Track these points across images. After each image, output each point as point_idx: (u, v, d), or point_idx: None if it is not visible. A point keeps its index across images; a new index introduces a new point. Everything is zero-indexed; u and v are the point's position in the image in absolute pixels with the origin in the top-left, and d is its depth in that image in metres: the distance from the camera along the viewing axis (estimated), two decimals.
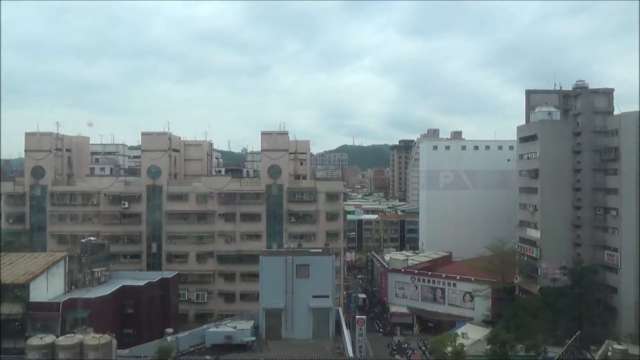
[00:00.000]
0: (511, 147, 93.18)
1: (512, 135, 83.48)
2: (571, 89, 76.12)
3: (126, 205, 70.11)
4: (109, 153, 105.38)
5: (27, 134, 72.61)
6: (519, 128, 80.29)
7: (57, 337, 29.49)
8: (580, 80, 74.78)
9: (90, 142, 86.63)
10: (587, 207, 68.54)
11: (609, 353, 43.89)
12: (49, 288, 44.03)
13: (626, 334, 57.55)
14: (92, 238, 55.43)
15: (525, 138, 77.26)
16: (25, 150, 72.65)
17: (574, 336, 49.07)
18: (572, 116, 72.96)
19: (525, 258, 75.29)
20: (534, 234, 73.01)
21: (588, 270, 64.59)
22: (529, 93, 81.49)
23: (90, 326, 33.05)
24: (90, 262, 49.89)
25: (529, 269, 74.19)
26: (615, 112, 68.25)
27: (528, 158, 76.05)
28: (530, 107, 79.58)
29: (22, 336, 38.21)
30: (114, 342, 28.88)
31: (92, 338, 27.65)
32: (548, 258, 69.74)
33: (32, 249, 61.60)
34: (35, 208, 71.23)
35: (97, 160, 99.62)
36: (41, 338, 27.82)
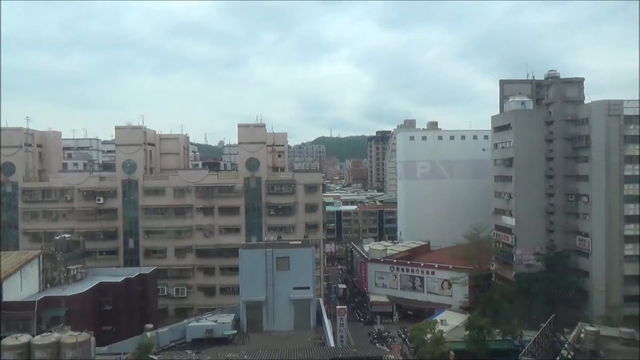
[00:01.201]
0: (486, 137, 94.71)
1: (487, 125, 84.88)
2: (543, 78, 77.65)
3: (101, 200, 68.83)
4: (82, 148, 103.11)
5: None
6: (494, 118, 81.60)
7: (33, 336, 28.90)
8: (552, 70, 76.29)
9: (63, 137, 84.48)
10: (560, 194, 70.29)
11: (582, 335, 45.43)
12: (23, 287, 43.06)
13: (597, 316, 59.65)
14: (66, 235, 54.17)
15: (500, 127, 78.59)
16: None
17: (549, 319, 50.60)
18: (545, 105, 74.47)
19: (501, 245, 76.90)
20: (509, 221, 74.56)
21: (561, 255, 66.45)
22: (502, 83, 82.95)
23: (67, 324, 32.51)
24: (65, 260, 48.88)
25: (504, 256, 75.83)
26: (586, 101, 69.98)
27: (502, 147, 77.42)
28: (504, 97, 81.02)
29: None
30: (93, 339, 28.47)
31: (69, 336, 27.19)
32: (523, 245, 71.36)
33: (3, 247, 59.94)
34: (6, 205, 69.28)
35: (69, 155, 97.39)
36: (16, 338, 27.21)
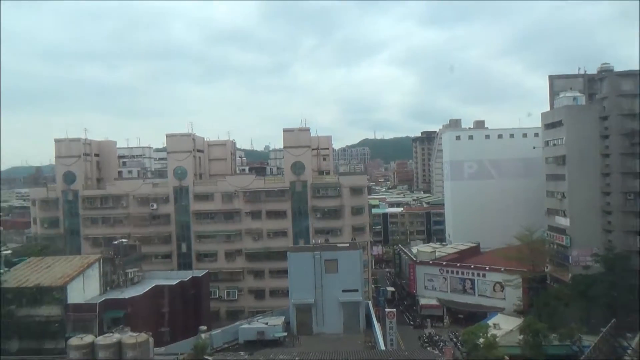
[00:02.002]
0: (536, 134, 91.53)
1: (537, 123, 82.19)
2: (596, 72, 74.42)
3: (155, 206, 71.52)
4: (136, 156, 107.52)
5: (56, 141, 74.71)
6: (544, 114, 78.89)
7: (96, 337, 30.47)
8: (605, 63, 73.02)
9: (117, 146, 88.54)
10: (617, 192, 67.01)
11: None
12: (85, 290, 45.34)
13: None
14: (123, 240, 56.70)
15: (551, 124, 75.88)
16: (55, 157, 74.78)
17: (609, 324, 48.35)
18: (598, 100, 71.39)
19: (555, 246, 74.11)
20: (563, 221, 71.75)
21: (621, 256, 63.13)
22: (552, 79, 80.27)
23: (126, 326, 34.04)
24: (123, 264, 51.11)
25: (559, 257, 73.02)
26: None
27: (554, 144, 74.71)
28: (554, 93, 78.38)
29: (62, 337, 39.57)
30: (151, 340, 29.71)
31: (129, 337, 28.51)
32: (579, 245, 68.51)
33: (67, 252, 63.46)
34: (68, 212, 73.31)
35: (124, 163, 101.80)
36: (81, 338, 28.80)
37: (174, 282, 50.51)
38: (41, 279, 43.22)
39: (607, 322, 49.30)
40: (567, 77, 79.46)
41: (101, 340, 28.83)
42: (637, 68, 68.85)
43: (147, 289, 47.48)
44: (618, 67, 71.44)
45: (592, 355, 44.09)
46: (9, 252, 71.33)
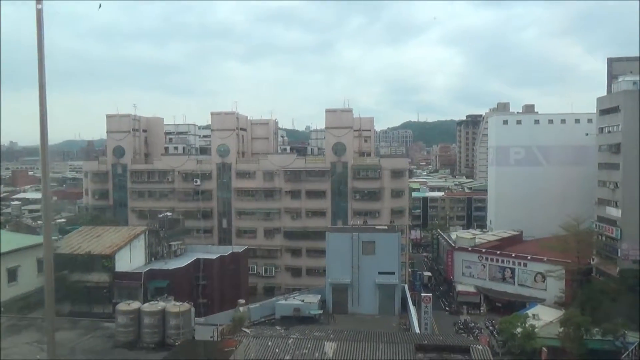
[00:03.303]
0: (590, 121, 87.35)
1: (591, 108, 78.28)
2: None
3: (198, 182, 73.46)
4: (181, 133, 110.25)
5: (108, 116, 77.65)
6: (599, 99, 74.97)
7: (141, 304, 31.87)
8: None
9: (164, 123, 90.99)
10: None
11: None
12: (132, 259, 47.46)
13: None
14: (168, 213, 58.72)
15: (607, 110, 72.08)
16: (107, 132, 77.83)
17: None
18: None
19: (604, 238, 71.15)
20: (614, 212, 68.65)
21: None
22: (611, 61, 76.26)
23: (170, 295, 35.41)
24: (167, 236, 53.06)
25: (607, 250, 70.11)
26: None
27: (609, 132, 71.07)
28: (612, 77, 74.45)
29: (110, 302, 41.79)
30: (193, 310, 30.74)
31: (173, 306, 29.56)
32: (630, 238, 65.40)
33: (115, 223, 66.38)
34: (117, 185, 76.46)
35: (170, 140, 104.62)
36: (128, 304, 30.13)
37: (214, 256, 52.03)
38: (92, 247, 45.50)
39: None
40: (627, 59, 75.21)
41: (147, 307, 30.04)
42: None
43: (189, 262, 49.17)
44: None
45: (636, 352, 42.48)
46: (63, 220, 75.53)
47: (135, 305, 29.93)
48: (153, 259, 51.19)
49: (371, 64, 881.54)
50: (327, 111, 73.06)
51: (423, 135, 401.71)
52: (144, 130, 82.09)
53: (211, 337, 31.81)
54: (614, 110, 69.78)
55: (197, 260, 50.43)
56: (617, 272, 64.74)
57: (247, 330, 31.89)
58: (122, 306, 29.71)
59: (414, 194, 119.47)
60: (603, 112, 73.38)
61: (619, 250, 66.23)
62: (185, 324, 28.94)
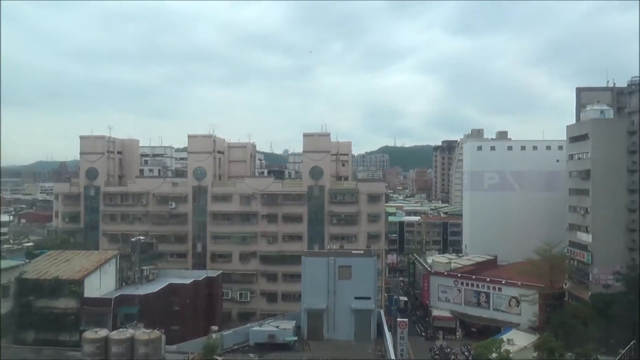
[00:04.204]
0: (560, 147, 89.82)
1: (562, 135, 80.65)
2: (625, 86, 72.80)
3: (173, 205, 72.35)
4: (157, 155, 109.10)
5: (82, 137, 76.36)
6: (569, 127, 77.41)
7: (110, 331, 30.87)
8: (636, 77, 71.40)
9: (140, 145, 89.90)
10: None
11: None
12: (101, 284, 46.12)
13: None
14: (141, 237, 57.48)
15: (576, 137, 74.38)
16: (80, 153, 76.36)
17: (629, 345, 47.00)
18: (627, 114, 69.72)
19: (576, 263, 72.46)
20: (585, 237, 70.15)
21: None
22: (579, 91, 78.80)
23: (140, 322, 34.40)
24: (139, 261, 51.83)
25: (579, 274, 71.35)
26: None
27: (579, 158, 73.21)
28: (581, 106, 76.90)
29: (77, 329, 40.30)
30: (163, 337, 29.96)
31: (142, 333, 28.80)
32: (600, 263, 66.83)
33: (86, 247, 64.58)
34: (89, 208, 74.70)
35: (146, 162, 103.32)
36: (96, 332, 29.21)
37: (188, 281, 51.02)
38: (60, 272, 44.11)
39: (626, 343, 47.92)
40: (594, 89, 77.85)
41: (115, 335, 29.18)
42: None
43: (161, 287, 48.04)
44: None
45: None
46: (31, 244, 73.15)
47: (102, 333, 29.04)
48: (124, 284, 49.86)
49: (349, 89, 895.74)
50: (305, 135, 73.39)
51: (400, 160, 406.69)
52: (119, 152, 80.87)
53: None
54: (583, 137, 72.04)
55: (170, 286, 49.34)
56: (588, 296, 65.73)
57: (220, 359, 31.15)
58: (89, 334, 28.79)
59: (391, 219, 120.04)
60: (573, 139, 75.65)
61: (590, 274, 67.48)
62: (154, 353, 28.17)
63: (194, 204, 72.86)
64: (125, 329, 29.98)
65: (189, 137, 75.64)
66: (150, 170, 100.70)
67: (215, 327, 41.68)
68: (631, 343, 47.40)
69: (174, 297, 48.77)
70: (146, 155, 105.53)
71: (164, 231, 71.71)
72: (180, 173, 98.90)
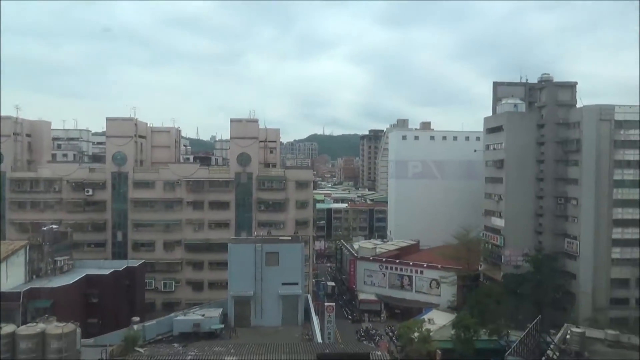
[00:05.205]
0: (478, 138, 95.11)
1: (480, 127, 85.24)
2: (536, 82, 78.14)
3: (90, 192, 68.19)
4: (72, 139, 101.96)
5: None
6: (486, 119, 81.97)
7: (18, 327, 28.57)
8: (545, 74, 76.75)
9: (53, 128, 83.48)
10: (549, 197, 70.80)
11: (568, 336, 45.87)
12: (8, 277, 42.56)
13: (584, 318, 60.23)
14: (54, 226, 53.56)
15: (492, 129, 78.96)
16: None
17: (535, 320, 51.01)
18: (537, 108, 74.93)
19: (490, 246, 77.34)
20: (498, 222, 74.99)
21: (548, 257, 66.99)
22: (496, 85, 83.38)
23: (53, 316, 32.13)
24: (52, 251, 48.38)
25: (493, 257, 76.29)
26: (578, 106, 70.46)
27: (494, 149, 77.81)
28: (497, 99, 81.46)
29: None
30: (78, 331, 28.14)
31: (54, 327, 26.88)
32: (511, 246, 71.83)
33: None
34: None
35: (59, 146, 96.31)
36: (0, 328, 26.84)
37: (107, 272, 48.50)
38: None
39: (533, 318, 51.97)
40: (509, 84, 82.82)
41: (23, 330, 27.04)
42: (574, 80, 72.99)
43: (77, 279, 45.28)
44: (557, 79, 75.25)
45: (517, 349, 46.31)
46: None
47: (9, 328, 26.78)
48: (35, 276, 46.35)
49: (279, 77, 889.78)
50: (232, 121, 71.85)
51: (328, 148, 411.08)
52: (28, 135, 74.52)
53: (100, 359, 29.38)
54: (498, 129, 76.62)
55: (87, 277, 46.65)
56: (501, 276, 70.60)
57: (141, 350, 29.91)
58: None
59: (319, 206, 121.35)
60: (489, 130, 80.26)
61: (503, 256, 72.39)
62: (69, 347, 26.45)
63: (113, 191, 69.07)
64: (34, 324, 27.83)
65: (108, 120, 71.30)
66: (65, 155, 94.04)
67: (136, 318, 39.96)
68: (537, 318, 51.44)
69: (92, 289, 46.17)
70: (59, 139, 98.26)
71: (80, 219, 67.48)
72: (98, 158, 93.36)
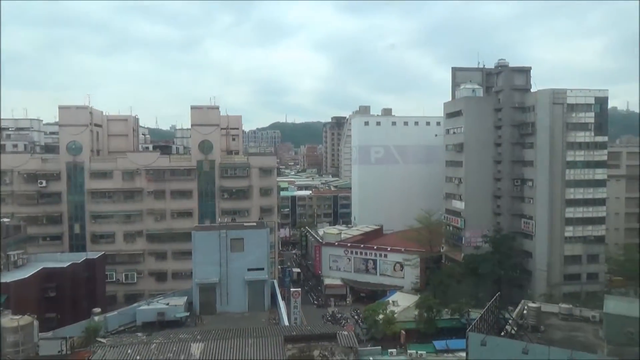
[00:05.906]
0: (438, 123, 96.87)
1: (440, 112, 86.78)
2: (493, 67, 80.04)
3: (44, 184, 65.47)
4: (22, 129, 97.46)
5: None
6: (446, 104, 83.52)
7: None
8: (502, 59, 78.74)
9: (0, 117, 79.51)
10: (507, 179, 73.10)
11: (525, 311, 47.68)
12: None
13: (540, 293, 62.84)
14: (5, 220, 51.30)
15: (451, 114, 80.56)
16: None
17: (494, 298, 52.63)
18: (494, 93, 76.88)
19: (451, 228, 79.34)
20: (458, 205, 76.92)
21: (506, 237, 69.39)
22: (454, 71, 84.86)
23: (7, 309, 30.89)
24: (4, 245, 46.34)
25: (454, 239, 78.32)
26: (532, 90, 72.70)
27: (454, 133, 79.47)
28: (456, 84, 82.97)
29: None
30: (36, 323, 27.20)
31: (10, 320, 25.86)
32: (471, 227, 73.91)
33: None
34: None
35: (8, 136, 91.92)
36: None
37: (64, 265, 46.94)
38: None
39: (493, 296, 53.65)
40: (467, 70, 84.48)
41: None
42: (529, 65, 75.18)
43: (32, 272, 43.61)
44: (513, 64, 77.29)
45: (478, 325, 47.77)
46: None
47: None
48: None
49: (240, 64, 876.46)
50: (193, 108, 70.32)
51: (291, 136, 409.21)
52: None
53: (60, 351, 28.56)
54: (457, 114, 78.26)
55: (43, 270, 45.00)
56: (461, 257, 72.64)
57: (103, 340, 29.19)
58: None
59: (283, 193, 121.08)
60: (449, 115, 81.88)
61: (463, 238, 74.46)
62: (26, 340, 25.53)
63: (68, 182, 66.56)
64: None
65: (60, 108, 68.25)
66: (15, 146, 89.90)
67: (97, 309, 39.00)
68: (496, 295, 53.12)
69: (49, 283, 44.65)
70: (7, 129, 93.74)
71: (34, 212, 64.82)
72: (51, 149, 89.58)
